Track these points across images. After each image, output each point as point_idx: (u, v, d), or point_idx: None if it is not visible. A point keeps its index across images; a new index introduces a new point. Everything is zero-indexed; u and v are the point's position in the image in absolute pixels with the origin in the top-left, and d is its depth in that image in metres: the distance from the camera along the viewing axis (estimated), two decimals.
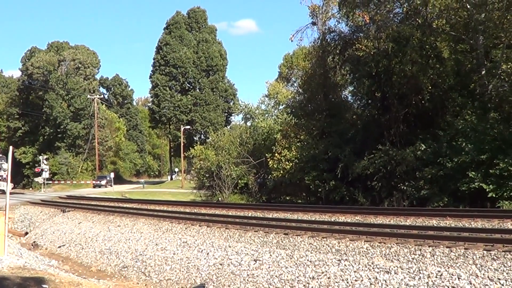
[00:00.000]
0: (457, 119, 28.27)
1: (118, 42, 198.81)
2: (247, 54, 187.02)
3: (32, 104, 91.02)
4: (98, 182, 78.10)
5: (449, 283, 10.47)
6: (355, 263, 12.74)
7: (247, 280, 13.74)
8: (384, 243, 14.56)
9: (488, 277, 10.38)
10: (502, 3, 28.69)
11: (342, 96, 43.95)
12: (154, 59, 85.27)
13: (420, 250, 13.30)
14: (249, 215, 23.54)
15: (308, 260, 13.81)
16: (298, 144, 38.85)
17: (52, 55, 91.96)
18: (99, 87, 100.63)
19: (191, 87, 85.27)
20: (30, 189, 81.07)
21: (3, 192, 49.14)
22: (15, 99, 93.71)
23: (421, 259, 12.73)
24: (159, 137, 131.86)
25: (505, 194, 23.08)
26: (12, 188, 54.56)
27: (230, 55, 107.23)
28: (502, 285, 9.94)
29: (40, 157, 73.88)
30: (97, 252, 21.61)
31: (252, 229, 19.23)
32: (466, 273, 10.83)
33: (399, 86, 32.81)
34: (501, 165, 23.68)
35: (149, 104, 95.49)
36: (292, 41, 46.52)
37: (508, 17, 28.69)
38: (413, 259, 12.87)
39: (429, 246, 13.45)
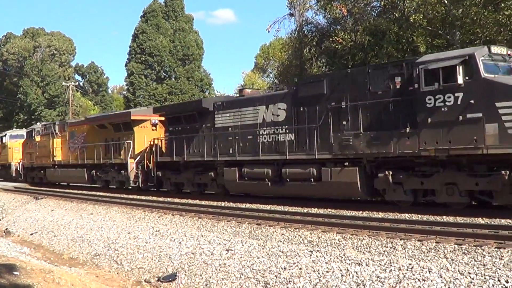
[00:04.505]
0: None
1: (94, 29, 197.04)
2: (224, 44, 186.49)
3: (6, 90, 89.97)
4: None
5: (420, 276, 10.48)
6: (326, 255, 12.73)
7: (219, 269, 13.68)
8: (356, 235, 14.59)
9: (458, 271, 10.41)
10: None
11: None
12: (130, 47, 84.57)
13: (392, 242, 13.34)
14: (222, 204, 23.51)
15: (280, 250, 13.78)
16: None
17: (28, 41, 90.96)
18: (74, 74, 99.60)
19: (167, 76, 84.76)
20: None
21: None
22: None
23: (393, 251, 12.77)
24: None
25: None
26: None
27: (207, 44, 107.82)
28: (473, 279, 9.97)
29: None
30: (69, 239, 21.38)
31: (225, 219, 19.24)
32: (437, 266, 10.86)
33: None
34: None
35: (124, 92, 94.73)
36: (269, 32, 46.70)
37: (485, 13, 28.87)
38: (384, 251, 12.90)
39: (400, 239, 13.49)
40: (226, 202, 24.21)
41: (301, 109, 21.64)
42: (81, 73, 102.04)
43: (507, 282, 9.69)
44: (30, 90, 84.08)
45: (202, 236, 16.94)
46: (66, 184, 42.40)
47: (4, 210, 32.33)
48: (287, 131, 22.17)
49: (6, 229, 26.35)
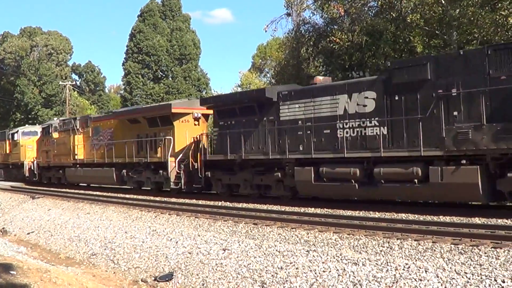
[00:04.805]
0: None
1: (91, 28, 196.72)
2: (221, 44, 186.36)
3: (3, 90, 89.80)
4: None
5: (416, 276, 10.50)
6: (323, 254, 12.74)
7: (216, 269, 13.68)
8: (353, 235, 14.60)
9: (455, 270, 10.43)
10: None
11: None
12: (127, 46, 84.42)
13: (389, 242, 13.36)
14: (219, 204, 23.50)
15: (276, 250, 13.79)
16: None
17: (25, 41, 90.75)
18: (71, 74, 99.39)
19: (164, 75, 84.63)
20: None
21: None
22: None
23: (389, 251, 12.78)
24: None
25: None
26: None
27: (204, 44, 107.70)
28: (469, 278, 9.99)
29: None
30: (66, 239, 21.38)
31: (222, 219, 19.23)
32: (433, 266, 10.88)
33: None
34: None
35: (121, 92, 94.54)
36: (266, 31, 46.74)
37: (482, 14, 28.89)
38: (381, 251, 12.91)
39: (397, 239, 13.51)
40: (222, 202, 24.20)
41: (396, 97, 18.60)
42: (78, 73, 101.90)
43: (503, 282, 9.70)
44: (27, 89, 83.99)
45: (198, 235, 16.95)
46: (86, 185, 39.33)
47: (0, 209, 32.32)
48: (378, 123, 19.00)
49: (3, 228, 26.33)
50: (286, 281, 11.88)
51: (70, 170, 38.11)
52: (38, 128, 47.68)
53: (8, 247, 20.52)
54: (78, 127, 37.09)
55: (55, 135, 40.07)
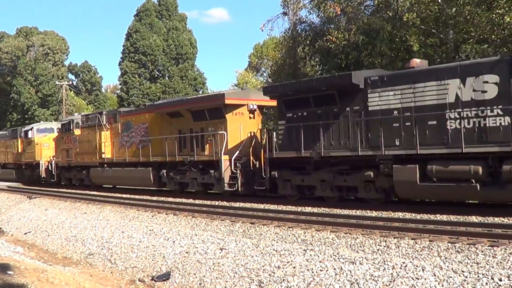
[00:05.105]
0: None
1: (87, 28, 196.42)
2: (218, 43, 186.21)
3: (0, 90, 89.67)
4: None
5: (413, 275, 10.51)
6: (320, 253, 12.74)
7: (213, 268, 13.68)
8: (350, 234, 14.60)
9: (452, 269, 10.44)
10: None
11: None
12: (123, 46, 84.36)
13: (386, 241, 13.36)
14: (216, 204, 23.48)
15: (274, 249, 13.78)
16: None
17: (21, 41, 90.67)
18: (68, 74, 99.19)
19: (160, 75, 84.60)
20: None
21: None
22: None
23: (386, 250, 12.79)
24: None
25: None
26: None
27: (201, 43, 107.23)
28: (466, 277, 10.00)
29: None
30: (63, 239, 21.36)
31: (219, 218, 19.23)
32: (430, 265, 10.89)
33: None
34: None
35: (118, 91, 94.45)
36: (262, 30, 46.51)
37: (479, 12, 28.94)
38: (378, 250, 12.91)
39: (394, 238, 13.52)
40: (219, 201, 24.18)
41: None
42: (74, 72, 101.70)
43: (500, 280, 9.72)
44: (24, 89, 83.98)
45: (196, 235, 16.94)
46: (112, 186, 36.04)
47: None
48: (502, 112, 16.04)
49: (0, 228, 26.29)
50: (283, 280, 11.87)
51: (96, 170, 34.44)
52: (54, 125, 44.69)
53: (5, 247, 20.47)
54: (105, 122, 33.59)
55: (77, 131, 36.90)
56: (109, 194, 30.54)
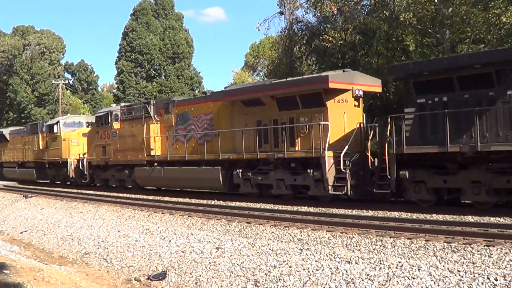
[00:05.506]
0: None
1: (84, 27, 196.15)
2: (214, 42, 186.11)
3: None
4: None
5: (409, 274, 10.52)
6: (316, 253, 12.75)
7: (209, 268, 13.67)
8: (346, 233, 14.61)
9: (448, 268, 10.45)
10: None
11: None
12: (120, 45, 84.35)
13: (381, 241, 13.38)
14: (212, 203, 23.47)
15: (270, 249, 13.79)
16: None
17: (17, 39, 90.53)
18: (64, 73, 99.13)
19: (157, 74, 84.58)
20: None
21: None
22: None
23: (382, 249, 12.80)
24: None
25: None
26: None
27: (197, 43, 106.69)
28: (462, 277, 10.01)
29: None
30: (59, 238, 21.33)
31: (215, 217, 19.22)
32: (426, 264, 10.90)
33: None
34: None
35: (114, 91, 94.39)
36: (259, 30, 46.46)
37: (475, 12, 28.98)
38: (374, 249, 12.92)
39: (390, 237, 13.54)
40: (215, 200, 24.18)
41: None
42: (70, 71, 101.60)
43: (496, 280, 9.73)
44: (20, 88, 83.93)
45: (192, 234, 16.94)
46: (164, 188, 31.17)
47: None
48: None
49: None
50: (279, 279, 11.88)
51: (143, 170, 29.52)
52: (83, 118, 40.72)
53: (1, 247, 20.43)
54: (153, 114, 29.39)
55: (116, 125, 32.30)
56: (106, 193, 30.46)
